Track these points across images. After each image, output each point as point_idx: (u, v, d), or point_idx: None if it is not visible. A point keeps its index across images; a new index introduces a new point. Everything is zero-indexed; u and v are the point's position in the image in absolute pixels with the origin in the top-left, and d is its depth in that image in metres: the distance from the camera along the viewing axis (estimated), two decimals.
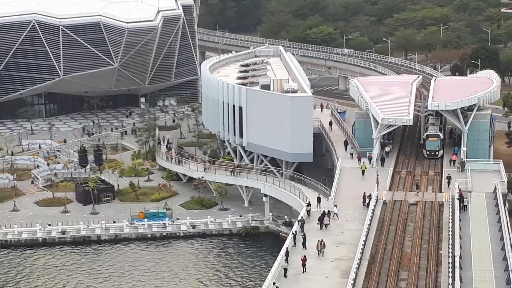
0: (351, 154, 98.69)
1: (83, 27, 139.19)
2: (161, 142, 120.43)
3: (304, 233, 74.75)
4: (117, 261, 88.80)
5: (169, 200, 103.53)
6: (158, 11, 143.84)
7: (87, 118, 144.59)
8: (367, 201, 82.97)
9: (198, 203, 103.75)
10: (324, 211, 79.97)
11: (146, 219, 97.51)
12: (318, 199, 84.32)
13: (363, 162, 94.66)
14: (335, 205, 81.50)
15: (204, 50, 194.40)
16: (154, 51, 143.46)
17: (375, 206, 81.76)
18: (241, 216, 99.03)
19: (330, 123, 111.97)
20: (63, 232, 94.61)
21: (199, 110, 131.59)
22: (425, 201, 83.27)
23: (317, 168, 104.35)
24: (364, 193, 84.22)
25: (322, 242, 71.04)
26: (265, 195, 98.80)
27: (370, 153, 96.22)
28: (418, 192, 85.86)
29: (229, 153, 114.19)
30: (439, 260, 68.76)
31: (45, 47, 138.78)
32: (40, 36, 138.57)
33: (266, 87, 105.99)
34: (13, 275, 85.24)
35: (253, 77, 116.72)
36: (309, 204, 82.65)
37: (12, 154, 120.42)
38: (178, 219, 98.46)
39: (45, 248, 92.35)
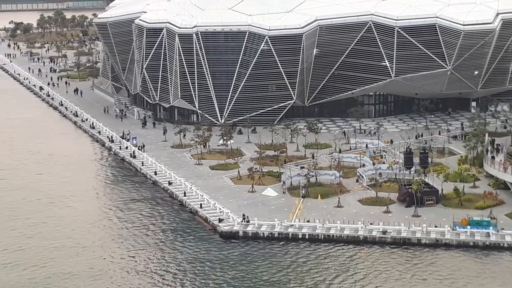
0: None
1: (418, 29, 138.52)
2: (489, 149, 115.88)
3: None
4: (436, 267, 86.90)
5: (494, 209, 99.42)
6: (497, 14, 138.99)
7: (415, 120, 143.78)
8: None
9: None
10: None
11: (469, 227, 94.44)
12: None
13: None
14: None
15: None
16: (489, 54, 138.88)
17: None
18: None
19: None
20: (384, 232, 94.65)
21: None
22: None
23: None
24: None
25: None
26: None
27: None
28: None
29: None
30: None
31: (379, 48, 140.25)
32: (375, 37, 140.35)
33: None
34: (338, 270, 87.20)
35: None
36: None
37: (340, 151, 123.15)
38: (503, 229, 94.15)
39: (364, 246, 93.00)
